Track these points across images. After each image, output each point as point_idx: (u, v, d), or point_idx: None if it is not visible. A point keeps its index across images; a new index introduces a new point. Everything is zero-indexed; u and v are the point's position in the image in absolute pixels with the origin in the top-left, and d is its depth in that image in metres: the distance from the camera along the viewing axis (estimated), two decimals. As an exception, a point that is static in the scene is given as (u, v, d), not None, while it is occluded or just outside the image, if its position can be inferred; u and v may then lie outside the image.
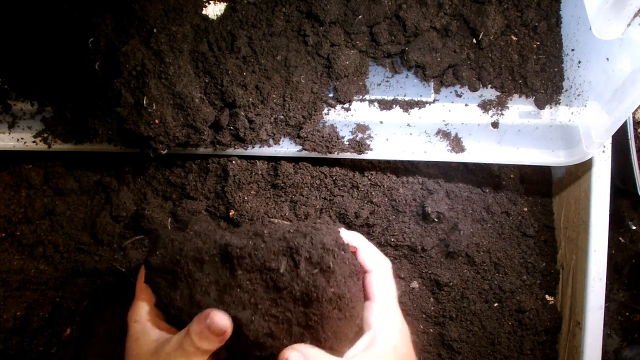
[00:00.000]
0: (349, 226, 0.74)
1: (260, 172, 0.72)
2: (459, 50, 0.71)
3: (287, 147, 0.70)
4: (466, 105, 0.72)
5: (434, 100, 0.72)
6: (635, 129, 0.89)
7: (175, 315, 0.51)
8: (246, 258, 0.48)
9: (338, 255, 0.49)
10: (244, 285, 0.49)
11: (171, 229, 0.51)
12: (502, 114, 0.72)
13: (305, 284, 0.47)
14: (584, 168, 0.74)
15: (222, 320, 0.47)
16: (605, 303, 0.72)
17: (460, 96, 0.72)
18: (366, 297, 0.54)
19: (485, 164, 0.78)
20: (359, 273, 0.53)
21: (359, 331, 0.52)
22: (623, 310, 0.97)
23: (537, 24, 0.72)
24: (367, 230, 0.74)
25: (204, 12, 0.66)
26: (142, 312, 0.53)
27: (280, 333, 0.48)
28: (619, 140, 0.84)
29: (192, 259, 0.50)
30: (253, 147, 0.69)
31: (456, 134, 0.71)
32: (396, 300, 0.55)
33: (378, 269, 0.54)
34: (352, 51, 0.69)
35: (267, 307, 0.48)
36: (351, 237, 0.56)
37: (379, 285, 0.53)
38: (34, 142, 0.70)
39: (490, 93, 0.72)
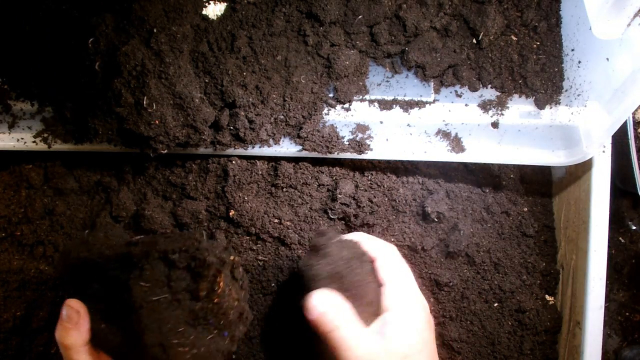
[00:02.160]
0: (349, 226, 0.74)
1: (260, 172, 0.72)
2: (459, 50, 0.71)
3: (287, 147, 0.70)
4: (466, 105, 0.72)
5: (434, 100, 0.72)
6: (635, 129, 0.89)
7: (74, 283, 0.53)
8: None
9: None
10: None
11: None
12: (502, 114, 0.72)
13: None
14: (584, 168, 0.74)
15: (74, 303, 0.49)
16: (605, 303, 0.72)
17: (460, 96, 0.72)
18: (379, 283, 0.55)
19: (485, 164, 0.78)
20: (370, 262, 0.55)
21: (375, 315, 0.53)
22: (623, 310, 0.97)
23: (537, 24, 0.72)
24: (367, 230, 0.74)
25: (204, 12, 0.66)
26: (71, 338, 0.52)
27: None
28: (619, 140, 0.84)
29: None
30: (253, 147, 0.69)
31: (456, 134, 0.71)
32: (409, 281, 0.55)
33: (382, 256, 0.56)
34: (352, 51, 0.69)
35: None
36: (352, 235, 0.58)
37: (386, 270, 0.55)
38: (34, 142, 0.70)
39: (490, 93, 0.72)
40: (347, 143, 0.69)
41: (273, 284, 0.74)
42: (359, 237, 0.58)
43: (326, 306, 0.51)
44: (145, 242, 0.51)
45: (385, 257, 0.56)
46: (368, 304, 0.53)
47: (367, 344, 0.49)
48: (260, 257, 0.73)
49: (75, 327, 0.49)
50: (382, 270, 0.55)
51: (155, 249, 0.48)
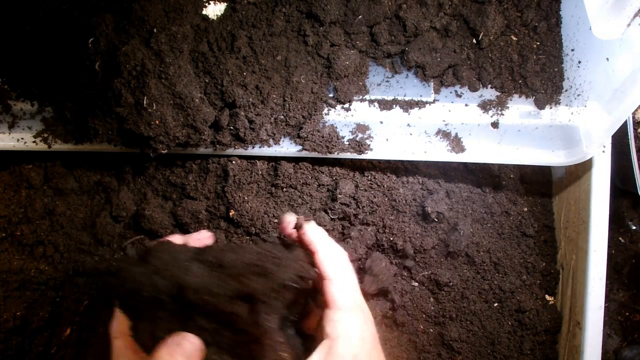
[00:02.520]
0: (349, 226, 0.74)
1: (260, 172, 0.72)
2: (459, 50, 0.71)
3: (287, 147, 0.70)
4: (466, 105, 0.72)
5: (434, 100, 0.72)
6: (635, 129, 0.89)
7: (132, 308, 0.51)
8: (201, 305, 0.47)
9: (294, 289, 0.48)
10: (203, 325, 0.48)
11: (135, 258, 0.50)
12: (502, 114, 0.72)
13: (262, 328, 0.47)
14: (584, 168, 0.74)
15: (193, 339, 0.46)
16: (605, 303, 0.72)
17: (460, 96, 0.72)
18: (325, 305, 0.50)
19: (485, 164, 0.78)
20: (315, 292, 0.51)
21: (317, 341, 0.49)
22: (623, 310, 0.97)
23: (537, 24, 0.72)
24: (366, 229, 0.74)
25: (204, 12, 0.66)
26: (123, 329, 0.51)
27: None
28: (619, 140, 0.84)
29: (152, 299, 0.48)
30: (253, 147, 0.69)
31: (456, 134, 0.71)
32: (357, 304, 0.51)
33: (336, 277, 0.50)
34: (352, 51, 0.69)
35: (228, 344, 0.48)
36: (312, 236, 0.53)
37: (336, 292, 0.50)
38: (34, 142, 0.70)
39: (490, 93, 0.72)
40: (347, 143, 0.69)
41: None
42: (318, 244, 0.52)
43: None
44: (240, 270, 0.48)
45: (338, 279, 0.50)
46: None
47: None
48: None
49: None
50: (332, 293, 0.50)
51: (274, 281, 0.47)
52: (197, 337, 0.47)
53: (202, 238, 0.58)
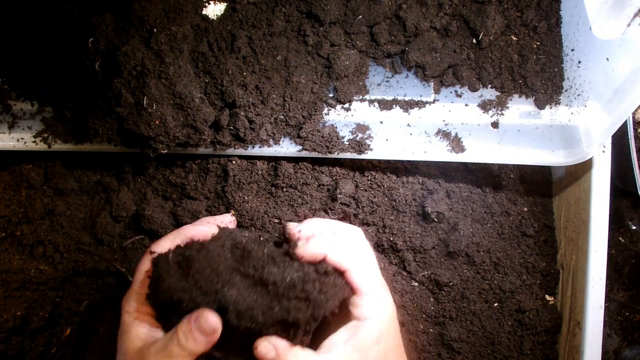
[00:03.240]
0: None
1: (260, 172, 0.72)
2: (459, 50, 0.71)
3: (287, 147, 0.70)
4: (466, 105, 0.72)
5: (434, 100, 0.72)
6: (635, 129, 0.89)
7: (166, 313, 0.51)
8: (241, 328, 0.48)
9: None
10: (238, 343, 0.50)
11: (172, 264, 0.50)
12: (502, 114, 0.72)
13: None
14: (584, 168, 0.74)
15: (212, 318, 0.47)
16: (605, 303, 0.72)
17: (460, 96, 0.72)
18: (352, 291, 0.52)
19: (485, 164, 0.78)
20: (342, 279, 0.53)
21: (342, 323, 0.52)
22: (623, 310, 0.97)
23: (537, 24, 0.72)
24: (366, 229, 0.74)
25: (204, 12, 0.66)
26: (135, 304, 0.53)
27: None
28: (619, 140, 0.84)
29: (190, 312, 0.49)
30: (253, 147, 0.69)
31: (456, 134, 0.71)
32: (381, 288, 0.53)
33: (354, 266, 0.52)
34: (352, 51, 0.69)
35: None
36: (319, 245, 0.52)
37: (358, 280, 0.52)
38: (34, 142, 0.70)
39: (490, 93, 0.72)
40: (347, 143, 0.69)
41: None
42: (317, 225, 0.56)
43: (274, 353, 0.49)
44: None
45: (358, 268, 0.52)
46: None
47: None
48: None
49: (205, 342, 0.47)
50: (354, 280, 0.52)
51: (317, 309, 0.49)
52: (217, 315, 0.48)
53: (225, 222, 0.61)
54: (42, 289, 0.75)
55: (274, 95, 0.67)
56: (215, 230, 0.56)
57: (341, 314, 0.52)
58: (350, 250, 0.53)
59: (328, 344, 0.50)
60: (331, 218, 0.73)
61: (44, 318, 0.74)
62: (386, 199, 0.74)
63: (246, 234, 0.55)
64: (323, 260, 0.51)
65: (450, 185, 0.76)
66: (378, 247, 0.75)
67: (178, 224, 0.74)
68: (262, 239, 0.55)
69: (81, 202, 0.77)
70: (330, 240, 0.53)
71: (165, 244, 0.54)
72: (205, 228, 0.56)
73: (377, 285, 0.53)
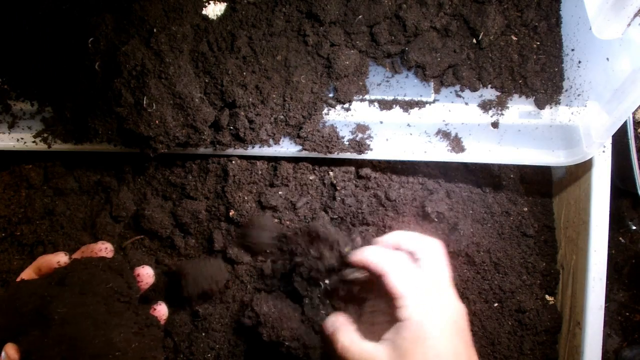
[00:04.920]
0: (349, 226, 0.74)
1: (260, 172, 0.72)
2: (459, 50, 0.71)
3: (287, 147, 0.70)
4: (466, 105, 0.72)
5: (434, 100, 0.72)
6: (635, 129, 0.89)
7: None
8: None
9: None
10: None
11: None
12: (502, 114, 0.72)
13: None
14: (584, 168, 0.74)
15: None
16: (605, 303, 0.72)
17: (460, 96, 0.72)
18: (391, 295, 0.54)
19: (485, 164, 0.78)
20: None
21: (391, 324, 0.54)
22: (623, 310, 0.97)
23: (537, 24, 0.72)
24: (366, 229, 0.74)
25: (204, 12, 0.66)
26: None
27: None
28: (619, 140, 0.84)
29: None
30: (253, 147, 0.69)
31: (456, 134, 0.71)
32: (422, 292, 0.54)
33: (389, 271, 0.55)
34: (352, 51, 0.69)
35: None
36: (391, 235, 0.60)
37: (394, 283, 0.54)
38: (34, 142, 0.70)
39: (490, 93, 0.72)
40: (347, 143, 0.69)
41: (274, 282, 0.74)
42: (398, 237, 0.59)
43: (335, 326, 0.56)
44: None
45: (394, 272, 0.55)
46: (382, 315, 0.56)
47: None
48: (260, 257, 0.73)
49: None
50: (392, 285, 0.54)
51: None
52: None
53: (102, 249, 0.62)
54: (42, 289, 0.75)
55: (274, 95, 0.67)
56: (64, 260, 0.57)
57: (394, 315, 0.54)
58: (395, 259, 0.56)
59: (379, 338, 0.54)
60: (331, 218, 0.73)
61: (44, 318, 0.74)
62: (386, 199, 0.74)
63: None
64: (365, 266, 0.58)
65: (450, 185, 0.76)
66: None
67: (178, 223, 0.74)
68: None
69: (81, 202, 0.77)
70: (374, 250, 0.58)
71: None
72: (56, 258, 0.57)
73: (418, 289, 0.54)
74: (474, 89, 0.72)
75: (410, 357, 0.50)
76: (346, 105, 0.71)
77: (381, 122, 0.71)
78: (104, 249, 0.60)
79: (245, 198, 0.71)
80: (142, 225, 0.73)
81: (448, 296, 0.55)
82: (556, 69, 0.72)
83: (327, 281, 0.63)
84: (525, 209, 0.80)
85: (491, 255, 0.76)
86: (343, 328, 0.56)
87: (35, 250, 0.74)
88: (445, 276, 0.56)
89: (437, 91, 0.72)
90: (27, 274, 0.57)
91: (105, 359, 0.48)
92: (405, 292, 0.53)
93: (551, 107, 0.72)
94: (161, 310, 0.62)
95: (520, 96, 0.72)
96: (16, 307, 0.51)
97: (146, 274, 0.61)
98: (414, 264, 0.56)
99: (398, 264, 0.56)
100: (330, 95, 0.70)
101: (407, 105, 0.72)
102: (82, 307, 0.51)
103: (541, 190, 0.83)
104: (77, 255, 0.59)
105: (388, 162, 0.75)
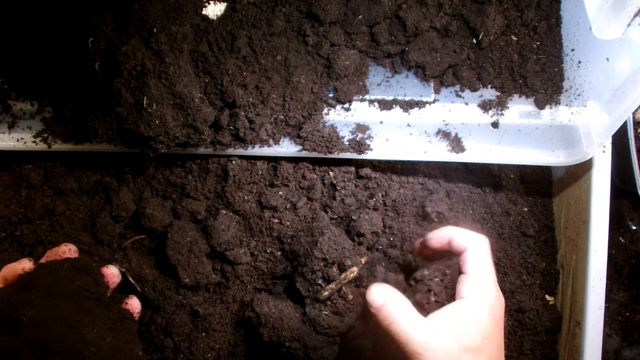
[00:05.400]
0: (349, 226, 0.74)
1: (260, 172, 0.72)
2: (459, 50, 0.71)
3: (287, 147, 0.70)
4: (466, 105, 0.72)
5: (434, 100, 0.72)
6: (635, 129, 0.89)
7: None
8: None
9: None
10: None
11: None
12: (502, 114, 0.72)
13: None
14: (584, 168, 0.74)
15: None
16: (605, 303, 0.72)
17: (460, 96, 0.72)
18: (462, 271, 0.55)
19: (485, 164, 0.78)
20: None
21: (448, 300, 0.54)
22: (623, 310, 0.97)
23: (537, 24, 0.72)
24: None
25: (204, 12, 0.66)
26: None
27: None
28: (619, 140, 0.84)
29: None
30: (253, 147, 0.69)
31: (456, 134, 0.71)
32: (490, 274, 0.55)
33: (472, 247, 0.56)
34: (352, 51, 0.69)
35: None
36: (445, 231, 0.60)
37: (471, 261, 0.55)
38: (34, 142, 0.70)
39: (490, 93, 0.72)
40: (347, 143, 0.69)
41: (275, 282, 0.74)
42: (451, 231, 0.60)
43: (384, 299, 0.53)
44: None
45: (473, 249, 0.56)
46: (441, 292, 0.56)
47: (422, 335, 0.50)
48: (260, 257, 0.73)
49: None
50: (468, 260, 0.55)
51: None
52: None
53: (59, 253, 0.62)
54: (42, 289, 0.75)
55: (274, 95, 0.67)
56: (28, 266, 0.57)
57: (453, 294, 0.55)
58: (470, 238, 0.57)
59: (434, 314, 0.52)
60: (331, 218, 0.73)
61: (44, 318, 0.74)
62: (386, 199, 0.74)
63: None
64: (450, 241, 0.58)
65: (450, 185, 0.76)
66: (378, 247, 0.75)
67: (178, 224, 0.74)
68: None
69: (81, 202, 0.77)
70: (458, 229, 0.59)
71: None
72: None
73: (483, 271, 0.54)
74: (474, 89, 0.72)
75: (466, 334, 0.50)
76: (346, 105, 0.71)
77: (381, 122, 0.71)
78: (68, 250, 0.61)
79: (246, 198, 0.71)
80: (142, 224, 0.73)
81: (497, 288, 0.56)
82: (556, 69, 0.72)
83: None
84: (525, 209, 0.80)
85: (491, 255, 0.76)
86: (398, 302, 0.53)
87: (35, 250, 0.75)
88: (493, 270, 0.57)
89: (437, 91, 0.72)
90: None
91: (80, 357, 0.48)
92: (481, 270, 0.54)
93: (551, 107, 0.72)
94: (133, 303, 0.63)
95: (520, 96, 0.72)
96: None
97: (111, 274, 0.61)
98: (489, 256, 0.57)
99: (482, 243, 0.56)
100: (330, 95, 0.70)
101: (407, 105, 0.72)
102: (51, 308, 0.50)
103: (541, 190, 0.83)
104: (42, 260, 0.59)
105: (388, 162, 0.75)
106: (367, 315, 0.58)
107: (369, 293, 0.54)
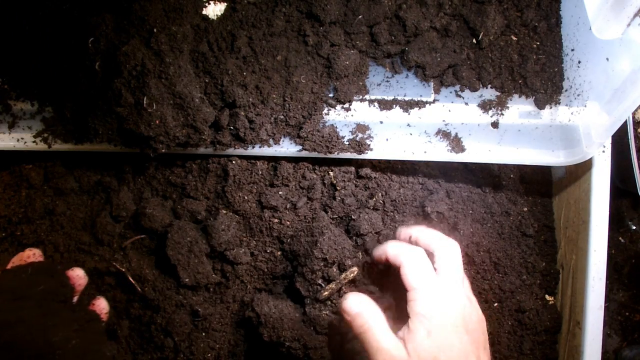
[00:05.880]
0: (349, 226, 0.74)
1: (260, 172, 0.72)
2: (459, 50, 0.72)
3: (287, 147, 0.70)
4: (466, 105, 0.72)
5: (434, 100, 0.72)
6: (635, 129, 0.89)
7: None
8: None
9: None
10: None
11: None
12: (502, 114, 0.72)
13: None
14: (584, 168, 0.74)
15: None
16: (605, 303, 0.72)
17: (460, 96, 0.72)
18: (405, 288, 0.56)
19: (485, 164, 0.78)
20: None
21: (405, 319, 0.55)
22: (623, 310, 0.97)
23: (537, 24, 0.72)
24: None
25: (204, 12, 0.66)
26: None
27: None
28: (619, 140, 0.84)
29: None
30: (253, 147, 0.69)
31: (456, 134, 0.71)
32: (435, 287, 0.55)
33: (404, 263, 0.56)
34: (352, 51, 0.69)
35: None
36: (381, 249, 0.61)
37: (408, 275, 0.56)
38: (34, 142, 0.70)
39: (490, 93, 0.72)
40: (347, 143, 0.69)
41: (275, 282, 0.74)
42: (418, 233, 0.61)
43: (360, 308, 0.55)
44: None
45: (408, 265, 0.56)
46: (400, 309, 0.57)
47: (391, 349, 0.52)
48: (260, 257, 0.73)
49: None
50: (405, 278, 0.56)
51: None
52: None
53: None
54: (42, 289, 0.75)
55: (274, 95, 0.67)
56: None
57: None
58: (413, 253, 0.58)
59: (406, 327, 0.54)
60: (331, 218, 0.73)
61: (44, 318, 0.74)
62: (386, 199, 0.74)
63: None
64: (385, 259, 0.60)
65: (450, 185, 0.76)
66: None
67: (178, 224, 0.74)
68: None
69: (81, 202, 0.77)
70: (394, 244, 0.60)
71: None
72: None
73: (430, 283, 0.55)
74: (474, 89, 0.72)
75: (423, 350, 0.51)
76: (346, 105, 0.71)
77: (381, 122, 0.71)
78: (33, 255, 0.61)
79: (246, 198, 0.71)
80: (143, 224, 0.73)
81: (458, 296, 0.56)
82: (556, 69, 0.72)
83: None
84: (525, 209, 0.80)
85: (491, 255, 0.76)
86: (373, 311, 0.55)
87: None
88: (458, 277, 0.57)
89: (437, 91, 0.72)
90: None
91: (46, 359, 0.48)
92: (418, 285, 0.54)
93: (551, 107, 0.72)
94: (100, 304, 0.63)
95: (520, 96, 0.72)
96: None
97: (76, 276, 0.62)
98: (429, 261, 0.57)
99: (415, 258, 0.57)
100: (330, 95, 0.70)
101: (407, 105, 0.72)
102: (16, 313, 0.51)
103: (541, 190, 0.84)
104: (8, 266, 0.59)
105: (388, 162, 0.75)
106: (341, 320, 0.60)
107: (346, 301, 0.56)
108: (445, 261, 0.58)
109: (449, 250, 0.59)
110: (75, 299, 0.61)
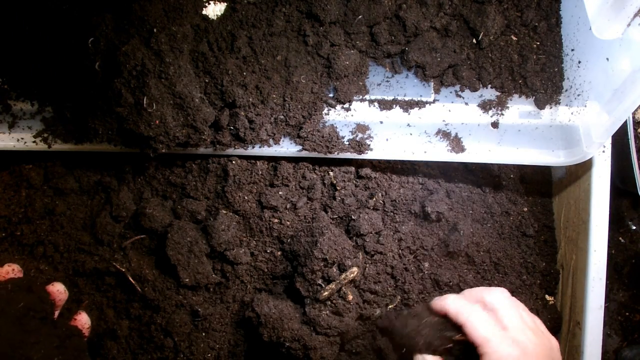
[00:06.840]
0: (349, 226, 0.74)
1: (260, 172, 0.72)
2: (459, 50, 0.71)
3: (287, 147, 0.70)
4: (466, 105, 0.72)
5: (434, 100, 0.72)
6: (635, 129, 0.89)
7: None
8: None
9: None
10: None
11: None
12: (502, 114, 0.72)
13: None
14: (584, 168, 0.74)
15: None
16: (605, 303, 0.72)
17: (460, 96, 0.72)
18: (475, 344, 0.58)
19: (485, 164, 0.78)
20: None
21: None
22: (623, 310, 0.97)
23: (537, 24, 0.72)
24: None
25: (204, 12, 0.66)
26: None
27: None
28: (619, 140, 0.84)
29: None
30: (253, 147, 0.69)
31: (456, 134, 0.71)
32: (501, 337, 0.56)
33: (466, 321, 0.58)
34: (352, 51, 0.69)
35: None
36: (441, 304, 0.61)
37: (473, 331, 0.57)
38: (34, 142, 0.70)
39: (490, 93, 0.72)
40: (347, 143, 0.69)
41: (275, 282, 0.74)
42: (447, 306, 0.61)
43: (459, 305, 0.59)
44: None
45: (468, 325, 0.58)
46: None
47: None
48: (260, 257, 0.73)
49: None
50: (469, 337, 0.57)
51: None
52: None
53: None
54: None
55: (274, 95, 0.67)
56: None
57: None
58: (473, 308, 0.59)
59: None
60: (331, 218, 0.73)
61: (44, 318, 0.74)
62: (386, 199, 0.74)
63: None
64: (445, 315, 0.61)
65: (450, 185, 0.76)
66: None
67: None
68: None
69: (81, 202, 0.77)
70: (454, 299, 0.61)
71: None
72: None
73: (499, 333, 0.56)
74: (474, 89, 0.72)
75: None
76: (346, 105, 0.71)
77: (381, 122, 0.71)
78: (12, 270, 0.60)
79: (246, 198, 0.71)
80: (143, 224, 0.73)
81: (530, 334, 0.57)
82: (556, 69, 0.72)
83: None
84: (525, 209, 0.80)
85: (491, 255, 0.76)
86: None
87: (36, 250, 0.75)
88: (522, 319, 0.58)
89: (437, 91, 0.72)
90: None
91: None
92: (489, 336, 0.56)
93: (551, 107, 0.72)
94: (82, 319, 0.62)
95: (520, 96, 0.72)
96: None
97: (57, 291, 0.61)
98: (489, 312, 0.59)
99: (476, 313, 0.58)
100: (330, 95, 0.70)
101: (407, 105, 0.72)
102: None
103: (541, 190, 0.84)
104: None
105: (388, 162, 0.75)
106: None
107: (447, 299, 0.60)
108: (504, 308, 0.58)
109: (503, 298, 0.60)
110: (56, 314, 0.61)
